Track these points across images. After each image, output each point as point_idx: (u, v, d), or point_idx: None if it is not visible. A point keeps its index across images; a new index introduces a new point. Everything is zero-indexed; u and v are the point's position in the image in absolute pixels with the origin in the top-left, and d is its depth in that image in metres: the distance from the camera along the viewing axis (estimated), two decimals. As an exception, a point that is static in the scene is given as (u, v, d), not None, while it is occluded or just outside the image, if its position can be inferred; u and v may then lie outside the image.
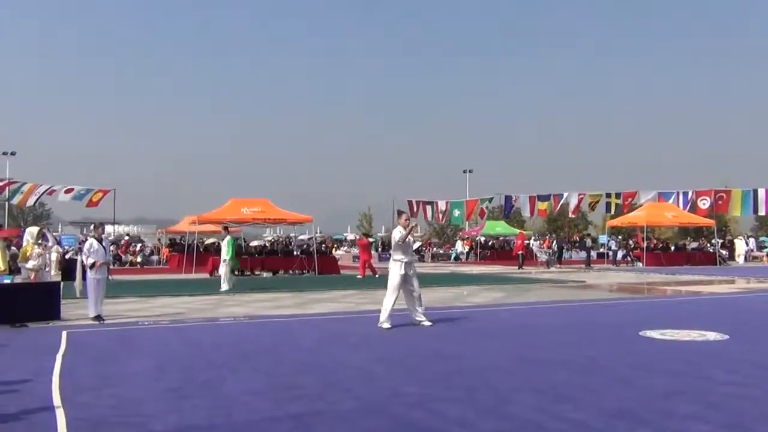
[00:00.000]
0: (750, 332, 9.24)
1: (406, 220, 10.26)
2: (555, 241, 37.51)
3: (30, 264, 11.68)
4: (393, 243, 10.19)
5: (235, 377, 6.24)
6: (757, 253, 41.33)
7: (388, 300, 9.92)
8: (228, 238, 18.86)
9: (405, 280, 10.02)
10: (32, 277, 11.65)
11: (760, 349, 7.71)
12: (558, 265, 31.70)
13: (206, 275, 24.35)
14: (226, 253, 18.11)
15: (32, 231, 12.30)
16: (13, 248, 18.20)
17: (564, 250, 37.41)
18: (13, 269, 13.22)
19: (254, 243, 39.95)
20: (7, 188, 34.36)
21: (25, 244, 12.15)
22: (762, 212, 38.82)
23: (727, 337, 8.61)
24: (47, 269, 12.22)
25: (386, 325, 9.71)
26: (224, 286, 17.16)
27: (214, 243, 36.38)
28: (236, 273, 22.01)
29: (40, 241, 12.00)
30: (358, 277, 22.61)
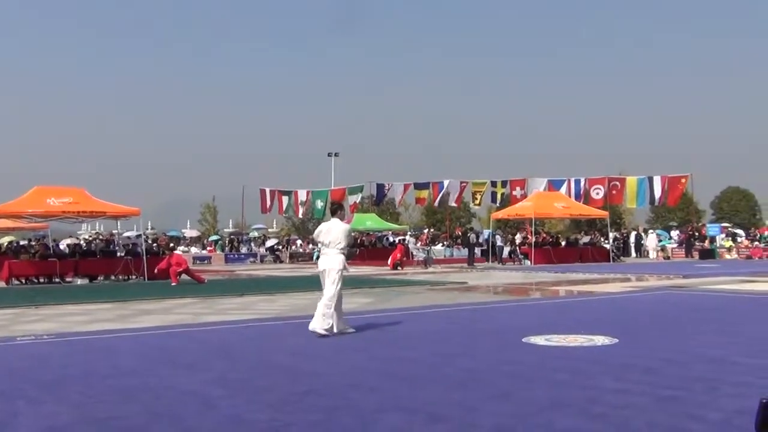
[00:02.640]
0: (640, 334, 9.95)
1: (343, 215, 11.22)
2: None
3: None
4: (344, 238, 10.58)
5: (34, 410, 5.92)
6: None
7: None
8: None
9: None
10: None
11: (650, 353, 8.31)
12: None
13: (1, 283, 22.96)
14: None
15: None
16: None
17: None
18: None
19: (66, 242, 38.14)
20: None
21: None
22: (657, 202, 41.88)
23: (616, 340, 9.23)
24: None
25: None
26: None
27: (11, 242, 34.39)
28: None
29: None
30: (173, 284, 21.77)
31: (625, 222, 64.33)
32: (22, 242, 34.56)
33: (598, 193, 41.78)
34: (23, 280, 24.13)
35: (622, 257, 39.82)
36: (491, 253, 37.17)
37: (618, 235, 44.59)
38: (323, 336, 9.98)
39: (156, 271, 22.84)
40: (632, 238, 45.05)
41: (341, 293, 10.57)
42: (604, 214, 39.85)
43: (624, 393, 6.20)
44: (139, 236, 31.70)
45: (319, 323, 10.12)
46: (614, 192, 41.97)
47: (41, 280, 24.40)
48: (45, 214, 26.10)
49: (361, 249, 42.32)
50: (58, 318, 13.19)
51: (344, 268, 10.55)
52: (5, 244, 34.11)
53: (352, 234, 10.82)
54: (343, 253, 10.57)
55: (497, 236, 38.65)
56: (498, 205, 45.23)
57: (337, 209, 11.19)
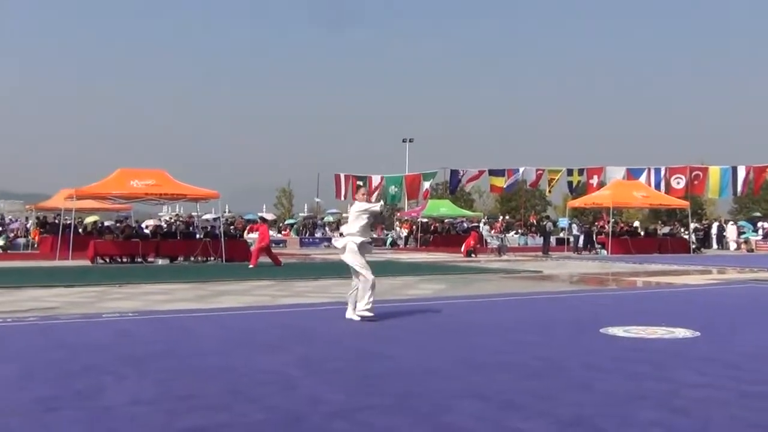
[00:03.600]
0: (723, 328, 9.67)
1: (363, 194, 10.67)
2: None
3: None
4: (354, 221, 10.39)
5: (119, 385, 6.13)
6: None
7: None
8: None
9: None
10: None
11: (733, 348, 8.08)
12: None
13: (86, 262, 23.79)
14: None
15: None
16: None
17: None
18: None
19: (148, 223, 39.24)
20: None
21: None
22: (740, 192, 40.52)
23: (698, 334, 8.99)
24: None
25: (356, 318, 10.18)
26: None
27: (96, 222, 35.56)
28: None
29: None
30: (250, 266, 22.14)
31: (706, 213, 62.51)
32: (106, 223, 35.66)
33: (678, 183, 40.63)
34: (107, 259, 24.93)
35: (702, 249, 38.75)
36: (567, 242, 36.68)
37: (699, 226, 43.40)
38: (371, 319, 10.01)
39: (256, 250, 23.14)
40: (714, 230, 43.76)
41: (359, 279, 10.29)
42: (685, 204, 38.81)
43: (706, 387, 6.04)
44: (217, 219, 32.34)
45: (362, 306, 10.14)
46: (696, 182, 40.75)
47: (124, 259, 25.16)
48: (128, 196, 26.90)
49: (434, 236, 42.27)
50: (140, 296, 13.60)
51: (355, 251, 10.25)
52: (90, 224, 35.31)
53: (370, 211, 10.41)
54: (356, 242, 10.31)
55: (573, 225, 38.05)
56: (574, 193, 44.48)
57: (358, 187, 10.90)
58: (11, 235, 36.74)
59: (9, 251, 32.68)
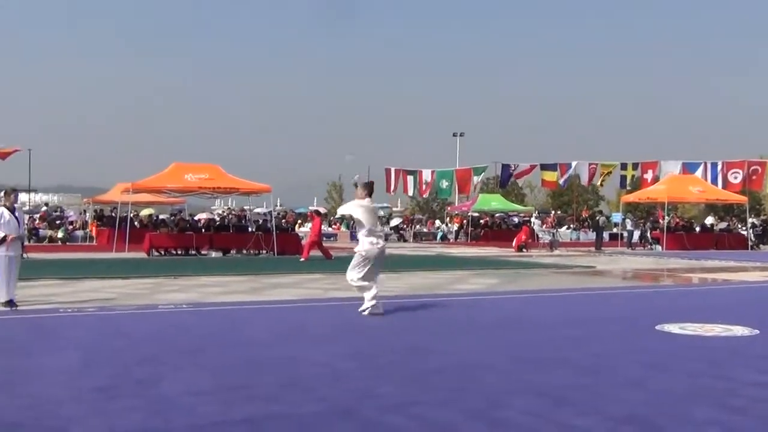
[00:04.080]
0: (784, 327, 9.44)
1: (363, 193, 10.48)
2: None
3: None
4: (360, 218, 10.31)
5: (175, 375, 6.25)
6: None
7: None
8: None
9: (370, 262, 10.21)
10: None
11: (795, 347, 7.88)
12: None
13: (142, 254, 24.24)
14: None
15: None
16: None
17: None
18: None
19: (200, 216, 39.78)
20: None
21: None
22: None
23: (756, 332, 8.80)
24: None
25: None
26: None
27: (151, 216, 36.17)
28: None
29: None
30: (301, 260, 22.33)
31: (765, 208, 61.00)
32: (161, 216, 36.27)
33: (736, 178, 39.69)
34: (162, 252, 25.36)
35: (761, 245, 37.83)
36: (620, 237, 36.14)
37: (757, 222, 42.36)
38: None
39: (308, 243, 23.36)
40: (773, 225, 42.62)
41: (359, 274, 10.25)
42: (743, 199, 37.91)
43: (765, 386, 5.92)
44: (268, 212, 32.61)
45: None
46: (754, 177, 39.74)
47: (178, 252, 25.56)
48: (182, 189, 27.29)
49: (485, 230, 42.03)
50: (194, 288, 13.82)
51: (364, 250, 10.21)
52: (146, 217, 35.95)
53: (357, 209, 10.38)
54: (365, 235, 10.24)
55: (627, 220, 37.47)
56: (628, 188, 43.78)
57: (365, 186, 10.61)
58: (70, 227, 37.60)
59: (68, 243, 33.48)
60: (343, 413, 5.05)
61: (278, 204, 62.56)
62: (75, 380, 6.03)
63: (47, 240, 34.11)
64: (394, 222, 47.96)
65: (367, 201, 10.40)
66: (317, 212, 29.72)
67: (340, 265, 20.69)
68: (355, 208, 10.38)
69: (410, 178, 47.40)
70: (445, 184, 46.56)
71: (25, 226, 12.02)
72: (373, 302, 10.00)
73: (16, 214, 11.05)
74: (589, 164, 42.62)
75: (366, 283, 10.08)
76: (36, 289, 12.90)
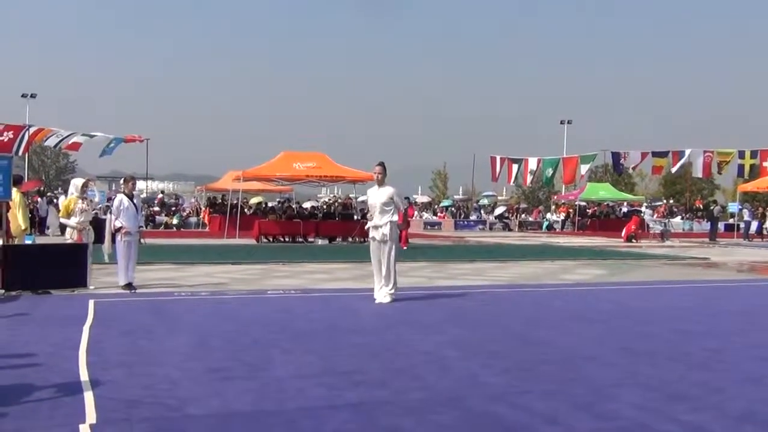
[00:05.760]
0: None
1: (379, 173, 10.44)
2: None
3: (73, 221, 11.75)
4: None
5: (286, 359, 6.41)
6: None
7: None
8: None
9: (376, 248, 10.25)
10: (75, 237, 11.76)
11: None
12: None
13: (252, 241, 24.89)
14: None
15: (77, 183, 12.30)
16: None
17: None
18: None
19: (308, 204, 40.51)
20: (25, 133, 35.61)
21: (69, 196, 12.29)
22: None
23: None
24: (91, 229, 12.12)
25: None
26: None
27: (261, 203, 37.10)
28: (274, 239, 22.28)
29: (85, 195, 12.05)
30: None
31: None
32: (270, 204, 37.13)
33: None
34: (271, 239, 25.98)
35: None
36: (737, 228, 34.67)
37: None
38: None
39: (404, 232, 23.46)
40: None
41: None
42: None
43: None
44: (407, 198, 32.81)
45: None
46: None
47: (286, 239, 26.13)
48: (291, 178, 27.84)
49: (592, 219, 41.14)
50: (302, 275, 14.10)
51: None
52: (255, 204, 36.91)
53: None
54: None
55: (745, 210, 35.88)
56: (746, 177, 41.88)
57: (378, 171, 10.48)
58: (184, 214, 39.07)
59: (182, 229, 34.79)
60: (450, 401, 5.06)
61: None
62: (190, 361, 6.26)
63: (163, 226, 35.53)
64: (498, 211, 47.52)
65: (375, 187, 10.48)
66: (410, 201, 29.79)
67: (444, 253, 20.77)
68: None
69: (515, 167, 46.76)
70: (550, 172, 45.73)
71: (143, 213, 12.52)
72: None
73: (135, 201, 11.55)
74: (704, 152, 40.92)
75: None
76: (153, 273, 13.45)
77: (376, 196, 10.37)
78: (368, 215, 10.61)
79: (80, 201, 11.83)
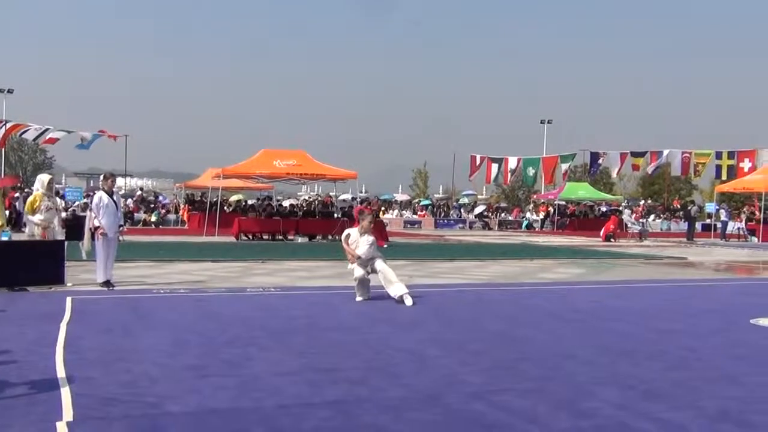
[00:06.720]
0: None
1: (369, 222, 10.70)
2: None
3: (37, 218, 11.41)
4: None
5: (264, 356, 6.39)
6: None
7: None
8: None
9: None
10: (40, 234, 11.43)
11: None
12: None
13: (231, 238, 24.80)
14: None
15: (42, 179, 11.93)
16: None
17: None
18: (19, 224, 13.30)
19: (288, 202, 40.44)
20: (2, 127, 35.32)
21: (34, 192, 11.98)
22: None
23: None
24: (56, 226, 11.90)
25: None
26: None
27: (240, 201, 36.98)
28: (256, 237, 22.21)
29: (49, 193, 11.78)
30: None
31: None
32: (250, 201, 37.00)
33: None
34: (250, 236, 25.89)
35: None
36: (714, 228, 35.00)
37: None
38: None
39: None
40: None
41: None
42: None
43: None
44: (354, 199, 32.87)
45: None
46: None
47: (266, 236, 26.05)
48: (271, 176, 27.73)
49: (571, 219, 41.40)
50: (281, 273, 14.06)
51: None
52: (235, 202, 36.78)
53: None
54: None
55: (722, 210, 36.22)
56: (723, 178, 42.30)
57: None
58: (163, 211, 38.81)
59: (161, 227, 34.58)
60: (428, 399, 5.07)
61: (363, 190, 62.97)
62: (168, 359, 6.22)
63: (141, 223, 35.30)
64: (478, 209, 47.69)
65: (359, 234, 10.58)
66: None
67: (424, 251, 20.79)
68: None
69: (495, 166, 46.97)
70: (531, 171, 46.00)
71: (122, 210, 12.38)
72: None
73: (114, 198, 11.46)
74: (682, 153, 41.35)
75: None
76: (131, 270, 13.37)
77: (363, 243, 10.44)
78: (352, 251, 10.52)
79: (45, 198, 11.58)
